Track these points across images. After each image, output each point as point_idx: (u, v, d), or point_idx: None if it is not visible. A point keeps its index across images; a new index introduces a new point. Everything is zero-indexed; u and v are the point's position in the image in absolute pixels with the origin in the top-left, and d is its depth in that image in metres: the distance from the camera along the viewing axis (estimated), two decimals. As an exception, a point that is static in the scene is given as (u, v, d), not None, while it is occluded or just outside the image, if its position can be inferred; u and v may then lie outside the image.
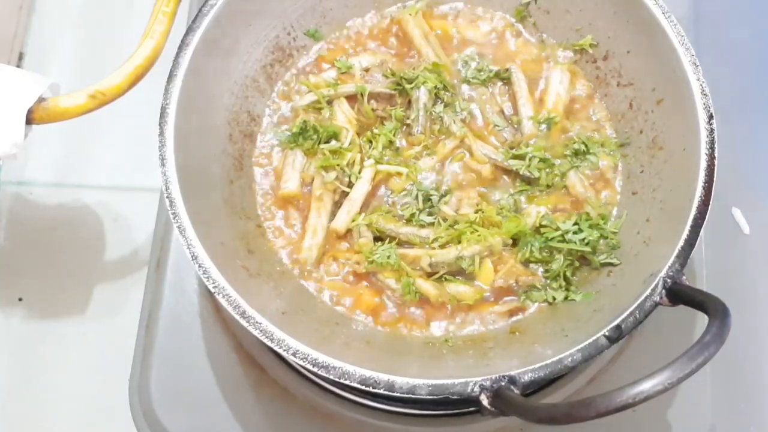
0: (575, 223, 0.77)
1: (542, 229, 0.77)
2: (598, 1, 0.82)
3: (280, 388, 0.80)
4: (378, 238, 0.78)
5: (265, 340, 0.64)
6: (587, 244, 0.75)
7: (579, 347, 0.63)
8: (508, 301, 0.76)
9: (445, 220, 0.78)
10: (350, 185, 0.79)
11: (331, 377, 0.62)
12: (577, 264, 0.76)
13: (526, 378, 0.62)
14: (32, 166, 1.01)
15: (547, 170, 0.80)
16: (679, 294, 0.64)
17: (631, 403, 0.51)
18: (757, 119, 0.93)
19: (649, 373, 0.51)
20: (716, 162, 0.69)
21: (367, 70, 0.86)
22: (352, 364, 0.63)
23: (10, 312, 0.95)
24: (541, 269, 0.77)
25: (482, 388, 0.61)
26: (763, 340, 0.84)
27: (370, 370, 0.62)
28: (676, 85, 0.74)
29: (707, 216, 0.68)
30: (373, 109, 0.83)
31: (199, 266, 0.66)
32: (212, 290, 0.65)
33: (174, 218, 0.67)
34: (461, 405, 0.78)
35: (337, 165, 0.79)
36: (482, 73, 0.85)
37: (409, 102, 0.83)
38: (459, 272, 0.76)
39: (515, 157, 0.81)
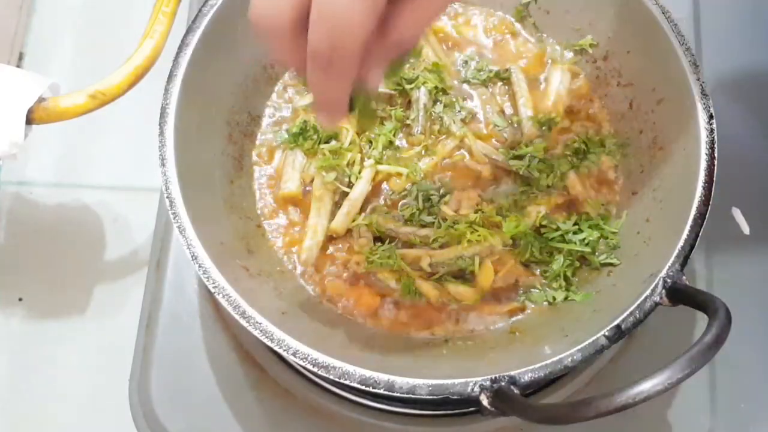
0: (575, 223, 0.77)
1: (542, 229, 0.77)
2: (598, 1, 0.82)
3: (280, 388, 0.80)
4: (378, 238, 0.78)
5: (265, 340, 0.64)
6: (587, 244, 0.76)
7: (579, 347, 0.63)
8: (508, 301, 0.76)
9: (445, 220, 0.78)
10: (350, 185, 0.80)
11: (331, 377, 0.62)
12: (577, 264, 0.76)
13: (526, 378, 0.62)
14: (32, 166, 1.01)
15: (547, 170, 0.80)
16: (679, 294, 0.64)
17: (631, 403, 0.51)
18: (757, 119, 0.93)
19: (649, 373, 0.51)
20: (716, 162, 0.69)
21: (366, 70, 0.86)
22: (352, 364, 0.63)
23: (10, 312, 0.95)
24: (540, 269, 0.77)
25: (482, 388, 0.61)
26: (763, 341, 0.84)
27: (370, 370, 0.62)
28: (676, 85, 0.74)
29: (707, 216, 0.68)
30: (372, 109, 0.83)
31: (199, 266, 0.66)
32: (212, 290, 0.65)
33: (174, 218, 0.67)
34: (461, 405, 0.78)
35: (337, 165, 0.79)
36: (482, 73, 0.85)
37: (409, 102, 0.84)
38: (459, 272, 0.76)
39: (515, 157, 0.81)
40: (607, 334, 0.63)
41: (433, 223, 0.78)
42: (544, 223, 0.77)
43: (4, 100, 0.72)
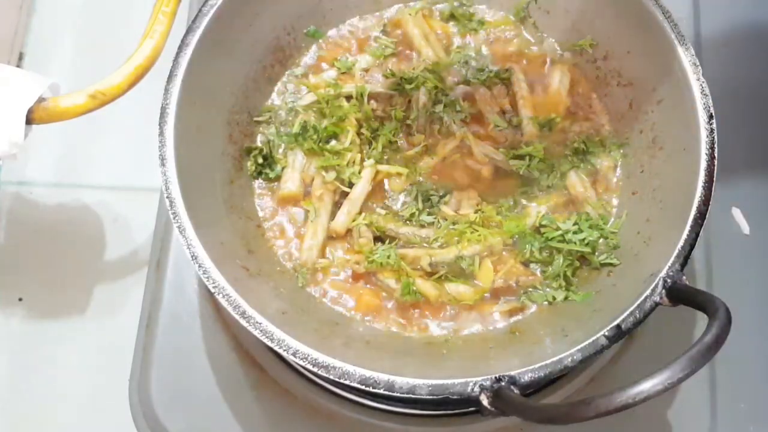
0: (575, 223, 0.77)
1: (542, 229, 0.77)
2: (598, 1, 0.82)
3: (280, 388, 0.80)
4: (378, 238, 0.78)
5: (265, 340, 0.64)
6: (587, 244, 0.76)
7: (579, 347, 0.63)
8: (508, 301, 0.76)
9: (445, 220, 0.78)
10: (350, 185, 0.80)
11: (331, 377, 0.62)
12: (577, 264, 0.76)
13: (526, 378, 0.62)
14: (32, 166, 1.01)
15: (547, 170, 0.80)
16: (679, 294, 0.64)
17: (631, 403, 0.51)
18: (758, 119, 0.93)
19: (649, 373, 0.51)
20: (716, 162, 0.69)
21: (366, 70, 0.86)
22: (352, 364, 0.63)
23: (10, 312, 0.95)
24: (540, 269, 0.77)
25: (482, 388, 0.61)
26: (763, 341, 0.84)
27: (370, 370, 0.62)
28: (676, 85, 0.74)
29: (707, 216, 0.68)
30: (373, 109, 0.83)
31: (199, 266, 0.66)
32: (212, 290, 0.65)
33: (174, 218, 0.67)
34: (461, 405, 0.78)
35: (337, 165, 0.79)
36: (482, 73, 0.85)
37: (409, 102, 0.84)
38: (459, 272, 0.77)
39: (515, 157, 0.81)
40: (607, 334, 0.63)
41: (433, 223, 0.78)
42: (544, 223, 0.77)
43: (4, 100, 0.72)
